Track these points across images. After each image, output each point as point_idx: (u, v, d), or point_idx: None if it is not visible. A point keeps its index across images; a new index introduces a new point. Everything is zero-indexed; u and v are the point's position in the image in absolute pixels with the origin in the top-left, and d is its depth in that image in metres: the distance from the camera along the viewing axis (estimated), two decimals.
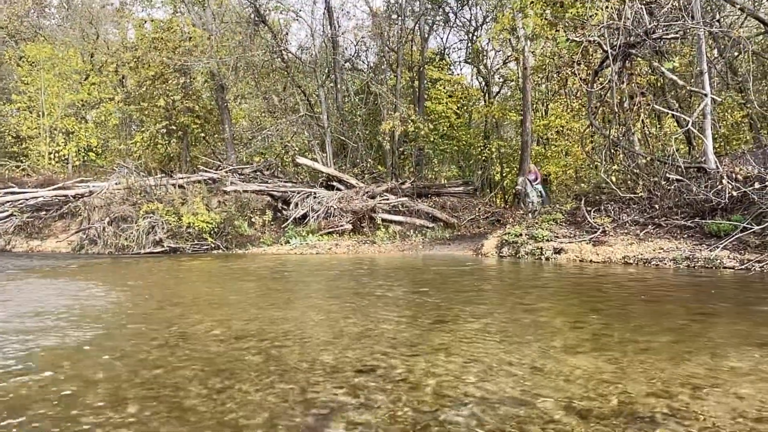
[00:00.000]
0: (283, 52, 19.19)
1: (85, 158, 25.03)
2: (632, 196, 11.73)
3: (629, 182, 12.24)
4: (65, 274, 8.58)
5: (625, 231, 11.26)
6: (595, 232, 11.27)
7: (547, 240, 11.41)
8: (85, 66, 26.11)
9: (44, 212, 18.14)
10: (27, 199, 17.94)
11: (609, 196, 12.11)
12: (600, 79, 12.44)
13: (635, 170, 12.20)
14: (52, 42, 25.99)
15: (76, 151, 24.41)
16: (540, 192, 16.83)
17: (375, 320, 4.30)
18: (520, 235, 11.80)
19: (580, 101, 16.14)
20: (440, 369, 2.91)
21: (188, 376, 2.80)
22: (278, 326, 4.11)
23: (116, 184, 17.11)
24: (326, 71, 20.02)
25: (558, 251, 11.03)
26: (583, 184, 13.26)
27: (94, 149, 25.16)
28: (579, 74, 12.90)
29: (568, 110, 19.11)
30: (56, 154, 23.81)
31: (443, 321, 4.26)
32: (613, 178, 11.98)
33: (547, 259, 10.88)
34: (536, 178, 17.11)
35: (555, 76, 17.87)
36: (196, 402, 2.39)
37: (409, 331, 3.88)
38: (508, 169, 24.58)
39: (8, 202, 17.71)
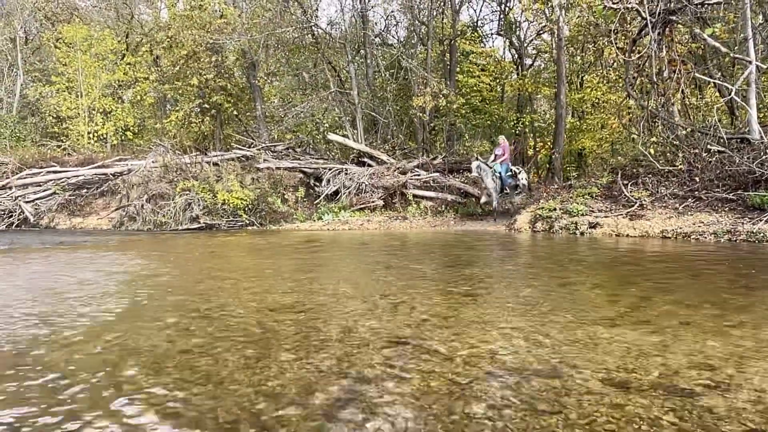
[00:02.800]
0: (313, 27, 19.10)
1: (123, 138, 25.52)
2: (671, 168, 11.42)
3: (668, 154, 11.90)
4: (108, 250, 8.83)
5: (664, 204, 11.00)
6: (632, 205, 11.03)
7: (582, 214, 11.23)
8: (120, 46, 26.48)
9: (85, 190, 18.63)
10: (68, 178, 18.43)
11: (647, 169, 11.82)
12: (638, 48, 12.03)
13: (675, 142, 11.85)
14: (88, 23, 26.40)
15: (114, 130, 24.91)
16: (500, 174, 13.55)
17: (408, 294, 4.31)
18: (554, 209, 11.64)
19: (617, 72, 15.69)
20: (474, 341, 2.90)
21: (227, 347, 2.86)
22: (313, 299, 4.16)
23: (153, 162, 17.43)
24: (356, 47, 19.87)
25: (593, 225, 10.85)
26: (620, 157, 12.92)
27: (131, 128, 25.64)
28: (616, 43, 12.50)
29: (605, 82, 18.59)
30: (95, 134, 24.35)
31: (476, 294, 4.25)
32: (652, 151, 11.66)
33: (582, 233, 10.71)
34: (504, 154, 13.92)
35: (591, 46, 17.37)
36: (234, 371, 2.45)
37: (442, 305, 3.88)
38: (541, 143, 24.16)
39: (51, 180, 18.24)
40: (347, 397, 2.12)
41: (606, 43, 13.76)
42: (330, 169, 15.91)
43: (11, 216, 17.22)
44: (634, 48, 11.88)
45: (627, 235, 10.17)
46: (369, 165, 16.14)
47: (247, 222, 15.19)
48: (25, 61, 27.30)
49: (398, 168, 15.45)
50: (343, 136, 17.82)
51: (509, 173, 13.74)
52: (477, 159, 13.85)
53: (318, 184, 16.03)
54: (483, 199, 13.62)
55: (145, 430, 1.91)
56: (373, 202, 14.84)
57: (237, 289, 4.67)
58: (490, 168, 13.40)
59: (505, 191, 13.65)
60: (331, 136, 17.31)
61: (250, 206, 15.18)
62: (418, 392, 2.15)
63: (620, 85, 15.99)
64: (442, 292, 4.40)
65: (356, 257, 7.74)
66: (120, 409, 2.07)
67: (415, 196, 14.85)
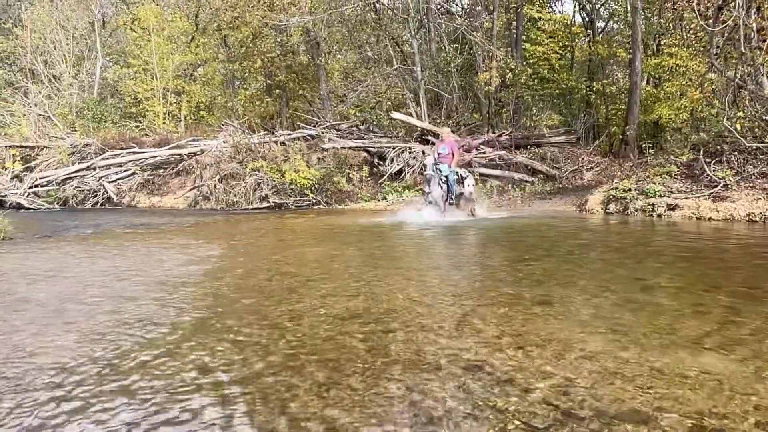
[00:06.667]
0: (376, 3, 18.83)
1: (196, 116, 26.38)
2: (760, 145, 10.64)
3: (756, 129, 11.09)
4: (184, 235, 9.19)
5: (751, 185, 10.32)
6: (716, 186, 10.40)
7: (660, 195, 10.69)
8: (190, 27, 27.14)
9: (162, 170, 19.46)
10: (146, 158, 19.31)
11: (732, 146, 11.07)
12: (723, 14, 11.14)
13: (764, 116, 11.00)
14: (160, 3, 27.18)
15: (188, 110, 25.79)
16: (446, 178, 10.73)
17: (477, 299, 4.24)
18: (630, 190, 11.13)
19: (697, 37, 14.63)
20: (551, 368, 2.80)
21: (298, 367, 2.89)
22: (381, 304, 4.15)
23: (224, 142, 17.94)
24: (419, 20, 19.44)
25: (672, 208, 10.33)
26: (702, 133, 12.11)
27: (203, 108, 26.45)
28: (699, 10, 11.62)
29: (685, 46, 17.36)
30: (169, 114, 25.31)
31: (550, 302, 4.11)
32: (738, 126, 10.88)
33: (659, 216, 10.23)
34: (450, 154, 11.10)
35: (669, 11, 16.24)
36: (306, 400, 2.47)
37: (515, 316, 3.77)
38: (614, 111, 22.98)
39: (131, 161, 19.17)
40: None
41: (686, 7, 12.83)
42: (393, 148, 15.84)
43: (95, 195, 18.28)
44: (719, 15, 11.00)
45: (709, 219, 9.62)
46: (433, 143, 15.91)
47: (314, 201, 15.43)
48: (103, 44, 28.47)
49: (463, 146, 15.14)
50: (407, 113, 17.63)
51: (456, 177, 11.04)
52: (431, 155, 11.34)
53: (382, 163, 16.01)
54: (426, 207, 11.02)
55: None
56: None
57: (307, 290, 4.73)
58: (439, 172, 10.74)
59: (450, 200, 11.04)
60: (395, 115, 17.18)
61: (316, 186, 15.41)
62: None
63: (702, 50, 14.90)
64: (512, 299, 4.28)
65: (421, 248, 7.69)
66: None
67: (480, 175, 14.56)
